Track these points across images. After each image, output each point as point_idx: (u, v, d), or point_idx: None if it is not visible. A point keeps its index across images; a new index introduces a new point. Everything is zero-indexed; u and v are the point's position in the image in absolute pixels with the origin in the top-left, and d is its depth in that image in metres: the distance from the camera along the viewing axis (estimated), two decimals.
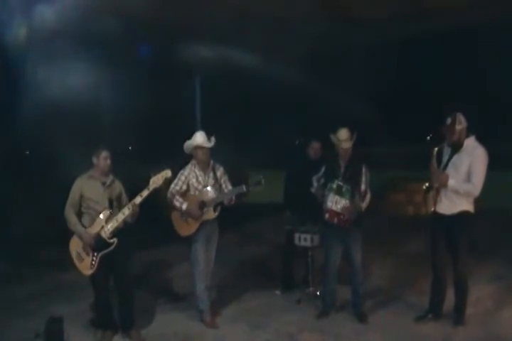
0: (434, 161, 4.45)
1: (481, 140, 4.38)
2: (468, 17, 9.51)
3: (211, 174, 4.76)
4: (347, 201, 4.59)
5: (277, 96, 13.79)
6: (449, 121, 4.31)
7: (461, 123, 4.28)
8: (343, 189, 4.60)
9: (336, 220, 4.64)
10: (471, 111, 4.43)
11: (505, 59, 11.80)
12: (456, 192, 4.31)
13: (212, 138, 4.71)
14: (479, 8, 8.90)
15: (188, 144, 4.72)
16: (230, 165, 5.11)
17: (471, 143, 4.33)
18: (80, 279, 4.79)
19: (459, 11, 8.96)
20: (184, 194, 4.71)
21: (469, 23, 10.15)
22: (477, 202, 4.41)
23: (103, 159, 4.35)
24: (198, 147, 4.67)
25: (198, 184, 4.70)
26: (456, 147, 4.37)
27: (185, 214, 4.65)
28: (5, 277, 6.28)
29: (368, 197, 4.70)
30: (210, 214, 4.66)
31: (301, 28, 8.77)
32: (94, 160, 4.37)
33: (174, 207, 4.70)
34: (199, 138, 4.68)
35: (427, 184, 4.48)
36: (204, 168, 4.75)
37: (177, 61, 9.95)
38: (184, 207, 4.61)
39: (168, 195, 4.70)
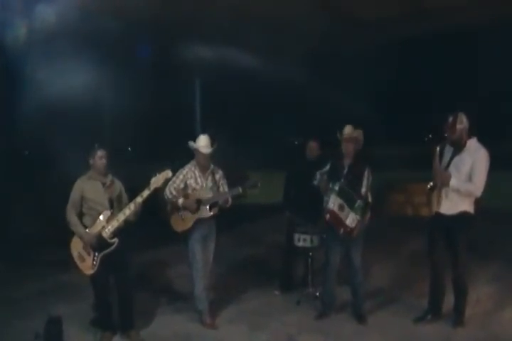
0: (437, 160, 4.42)
1: (482, 140, 4.36)
2: (468, 17, 9.53)
3: (210, 177, 4.81)
4: (357, 216, 4.51)
5: (277, 96, 13.77)
6: (450, 119, 4.28)
7: (462, 122, 4.26)
8: (356, 205, 4.48)
9: (342, 231, 4.56)
10: (471, 111, 4.41)
11: (506, 59, 11.79)
12: (458, 191, 4.29)
13: (214, 144, 4.75)
14: (479, 8, 8.92)
15: (191, 145, 4.79)
16: (229, 166, 5.12)
17: (473, 144, 4.32)
18: (79, 279, 4.79)
19: (459, 11, 8.98)
20: (181, 192, 4.75)
21: (469, 23, 10.16)
22: (477, 203, 4.40)
23: (98, 159, 4.35)
24: (198, 151, 4.73)
25: (196, 184, 4.76)
26: (458, 147, 4.35)
27: (181, 209, 4.70)
28: (5, 277, 6.28)
29: (369, 200, 4.65)
30: (206, 212, 4.69)
31: (301, 28, 8.78)
32: (91, 160, 4.38)
33: (170, 202, 4.75)
34: (201, 142, 4.74)
35: (431, 183, 4.44)
36: (203, 170, 4.80)
37: (177, 61, 9.96)
38: (180, 201, 4.68)
39: (165, 190, 4.74)
